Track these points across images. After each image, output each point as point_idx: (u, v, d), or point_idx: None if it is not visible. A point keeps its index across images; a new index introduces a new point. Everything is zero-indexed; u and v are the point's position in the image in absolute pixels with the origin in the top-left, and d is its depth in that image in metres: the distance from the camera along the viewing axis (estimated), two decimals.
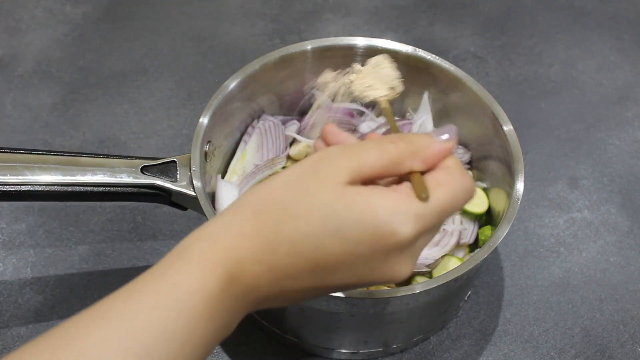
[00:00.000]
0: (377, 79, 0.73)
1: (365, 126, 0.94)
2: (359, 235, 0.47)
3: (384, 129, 0.92)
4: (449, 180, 0.50)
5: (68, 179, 0.74)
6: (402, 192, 0.49)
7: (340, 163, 0.49)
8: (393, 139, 0.51)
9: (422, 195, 0.48)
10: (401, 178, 0.52)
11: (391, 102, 0.71)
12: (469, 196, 0.52)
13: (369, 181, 0.50)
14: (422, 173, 0.51)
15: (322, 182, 0.48)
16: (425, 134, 0.52)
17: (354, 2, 1.24)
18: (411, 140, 0.51)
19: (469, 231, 0.86)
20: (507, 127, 0.82)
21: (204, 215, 0.75)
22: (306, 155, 0.91)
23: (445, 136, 0.52)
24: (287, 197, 0.49)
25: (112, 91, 1.09)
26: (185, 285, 0.47)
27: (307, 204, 0.48)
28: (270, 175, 0.87)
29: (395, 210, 0.48)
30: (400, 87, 0.73)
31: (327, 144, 0.56)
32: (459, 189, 0.50)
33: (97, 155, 0.77)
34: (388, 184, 0.51)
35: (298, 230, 0.48)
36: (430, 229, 0.50)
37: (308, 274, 0.49)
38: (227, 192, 0.85)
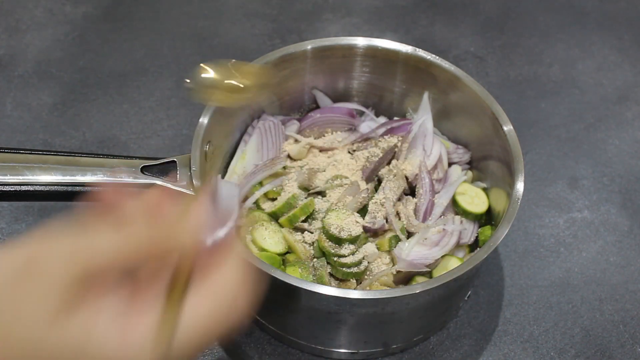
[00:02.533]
0: None
1: (365, 126, 0.94)
2: None
3: (383, 129, 0.92)
4: (215, 294, 0.40)
5: (68, 179, 0.74)
6: (142, 315, 0.38)
7: (61, 266, 0.37)
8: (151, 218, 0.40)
9: (166, 329, 0.37)
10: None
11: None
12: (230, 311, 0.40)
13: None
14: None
15: (31, 298, 0.36)
16: (198, 224, 0.41)
17: (354, 2, 1.24)
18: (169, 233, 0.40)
19: (469, 231, 0.85)
20: (507, 127, 0.82)
21: None
22: (307, 154, 0.92)
23: (221, 231, 0.41)
24: None
25: (112, 91, 1.09)
26: None
27: (4, 334, 0.36)
28: (270, 176, 0.87)
29: (124, 346, 0.37)
30: None
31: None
32: (221, 306, 0.40)
33: (97, 155, 0.77)
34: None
35: None
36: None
37: None
38: (227, 192, 0.85)
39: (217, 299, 0.40)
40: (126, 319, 0.38)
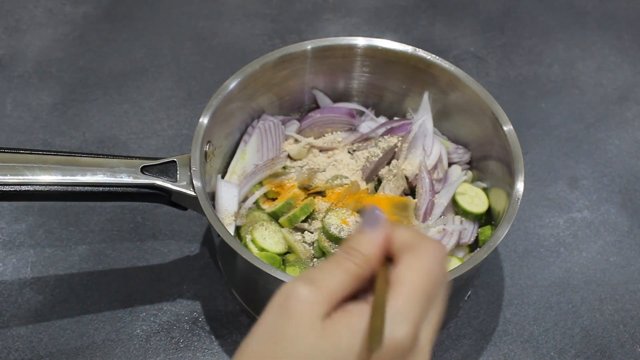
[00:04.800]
0: None
1: (365, 126, 0.94)
2: None
3: (383, 129, 0.92)
4: (408, 269, 0.47)
5: (68, 179, 0.74)
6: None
7: (311, 298, 0.46)
8: (346, 251, 0.49)
9: (380, 310, 0.45)
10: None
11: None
12: (438, 269, 0.48)
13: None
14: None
15: (298, 323, 0.45)
16: (359, 228, 0.50)
17: (354, 2, 1.24)
18: (356, 245, 0.49)
19: (469, 231, 0.85)
20: (507, 127, 0.82)
21: (204, 215, 0.75)
22: (307, 154, 0.92)
23: (370, 222, 0.49)
24: (266, 353, 0.47)
25: (112, 91, 1.09)
26: None
27: (290, 353, 0.45)
28: (269, 177, 0.87)
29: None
30: None
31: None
32: (425, 274, 0.47)
33: (97, 155, 0.77)
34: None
35: None
36: (423, 316, 0.47)
37: None
38: (227, 192, 0.85)
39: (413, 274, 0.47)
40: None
